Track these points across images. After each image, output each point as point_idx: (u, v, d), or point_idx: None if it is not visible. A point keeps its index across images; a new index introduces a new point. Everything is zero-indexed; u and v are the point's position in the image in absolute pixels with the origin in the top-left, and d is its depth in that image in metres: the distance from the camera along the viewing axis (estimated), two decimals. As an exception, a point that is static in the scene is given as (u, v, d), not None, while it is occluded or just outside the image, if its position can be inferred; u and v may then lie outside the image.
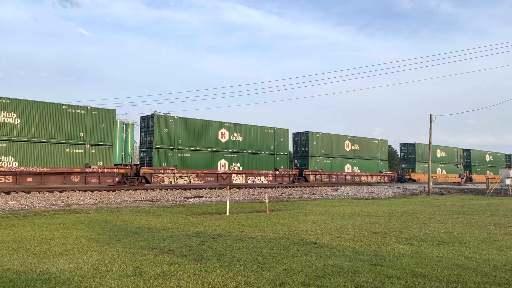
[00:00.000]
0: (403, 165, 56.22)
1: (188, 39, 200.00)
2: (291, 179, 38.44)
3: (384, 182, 48.30)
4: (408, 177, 54.16)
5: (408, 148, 56.22)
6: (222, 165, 33.66)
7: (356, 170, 45.29)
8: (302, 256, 6.90)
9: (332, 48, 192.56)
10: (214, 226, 11.06)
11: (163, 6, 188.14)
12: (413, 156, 55.38)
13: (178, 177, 30.68)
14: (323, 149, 41.86)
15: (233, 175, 33.96)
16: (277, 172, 37.26)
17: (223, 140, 33.98)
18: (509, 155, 77.45)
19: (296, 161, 41.72)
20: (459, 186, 46.68)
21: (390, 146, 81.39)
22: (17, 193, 22.80)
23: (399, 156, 61.56)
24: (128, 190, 26.72)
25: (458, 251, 7.55)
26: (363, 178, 45.73)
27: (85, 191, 25.36)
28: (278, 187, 34.88)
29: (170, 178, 30.21)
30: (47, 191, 24.02)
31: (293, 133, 42.01)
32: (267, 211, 15.77)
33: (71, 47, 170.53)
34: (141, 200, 21.48)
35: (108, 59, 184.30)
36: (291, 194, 28.16)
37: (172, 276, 5.54)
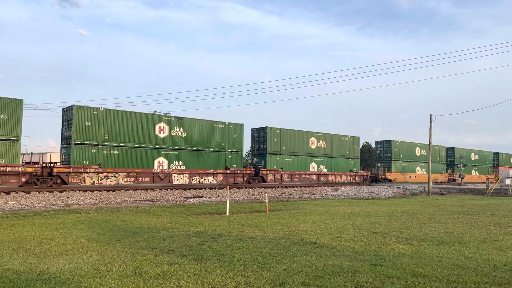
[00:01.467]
0: (379, 164, 52.32)
1: (187, 39, 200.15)
2: (245, 179, 34.95)
3: (357, 183, 44.90)
4: (382, 176, 50.09)
5: (384, 146, 52.14)
6: (160, 163, 30.04)
7: (323, 169, 41.80)
8: (302, 256, 6.90)
9: (331, 48, 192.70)
10: (214, 226, 11.06)
11: (162, 6, 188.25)
12: (389, 155, 51.36)
13: (103, 177, 27.18)
14: (284, 146, 38.51)
15: (173, 174, 30.46)
16: (228, 172, 33.74)
17: (162, 135, 30.30)
18: (497, 153, 72.82)
19: (255, 159, 38.47)
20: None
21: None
22: (17, 193, 22.80)
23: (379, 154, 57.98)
24: (128, 190, 26.73)
25: (458, 251, 7.55)
26: (331, 178, 42.34)
27: (85, 191, 25.36)
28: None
29: (92, 178, 26.70)
30: (47, 191, 24.02)
31: (252, 129, 39.23)
32: (267, 211, 15.77)
33: (71, 47, 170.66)
34: (141, 200, 21.49)
35: (107, 59, 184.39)
36: (291, 194, 28.18)
37: (172, 276, 5.54)
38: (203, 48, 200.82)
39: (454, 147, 63.02)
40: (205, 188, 30.65)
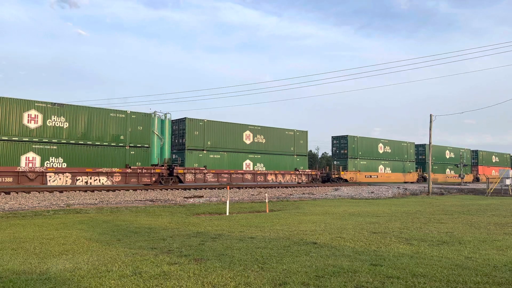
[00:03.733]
0: (335, 162, 46.43)
1: (186, 39, 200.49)
2: (153, 179, 29.91)
3: (305, 183, 40.05)
4: (336, 175, 44.51)
5: (341, 142, 46.19)
6: (30, 160, 24.94)
7: (260, 167, 36.73)
8: (302, 256, 6.90)
9: (330, 48, 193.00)
10: (214, 226, 11.06)
11: (161, 6, 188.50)
12: (346, 151, 45.51)
13: None
14: (209, 141, 33.42)
15: (48, 174, 25.36)
16: (129, 171, 28.43)
17: (33, 125, 25.13)
18: (476, 151, 67.05)
19: (174, 156, 33.30)
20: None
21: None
22: (17, 193, 22.80)
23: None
24: (128, 190, 26.73)
25: (458, 251, 7.55)
26: (270, 178, 37.26)
27: (85, 191, 25.36)
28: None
29: None
30: (47, 191, 24.02)
31: (172, 120, 33.76)
32: (267, 211, 15.77)
33: (70, 48, 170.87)
34: (141, 200, 21.49)
35: (107, 60, 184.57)
36: (291, 194, 28.21)
37: (172, 276, 5.54)
38: (202, 48, 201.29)
39: (425, 144, 56.06)
40: (205, 188, 30.66)
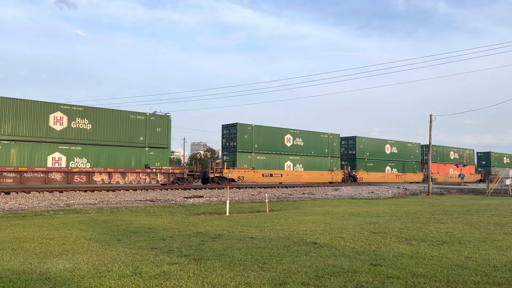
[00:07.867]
0: (225, 157, 37.27)
1: (185, 40, 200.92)
2: None
3: (168, 184, 30.74)
4: (217, 174, 34.63)
5: (230, 132, 36.59)
6: None
7: (82, 163, 26.82)
8: (302, 256, 6.90)
9: (329, 48, 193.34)
10: (214, 226, 11.06)
11: (160, 7, 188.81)
12: (235, 144, 35.95)
13: None
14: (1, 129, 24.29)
15: None
16: None
17: None
18: (426, 145, 53.94)
19: None
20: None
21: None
22: (17, 193, 22.80)
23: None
24: (128, 190, 26.72)
25: (458, 251, 7.55)
26: (99, 178, 27.48)
27: (85, 191, 25.34)
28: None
29: None
30: (47, 191, 24.01)
31: None
32: (267, 211, 15.76)
33: (69, 48, 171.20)
34: (141, 200, 21.49)
35: (106, 60, 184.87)
36: (291, 194, 28.22)
37: (172, 276, 5.55)
38: (201, 48, 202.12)
39: (356, 136, 47.32)
40: (205, 188, 30.65)
